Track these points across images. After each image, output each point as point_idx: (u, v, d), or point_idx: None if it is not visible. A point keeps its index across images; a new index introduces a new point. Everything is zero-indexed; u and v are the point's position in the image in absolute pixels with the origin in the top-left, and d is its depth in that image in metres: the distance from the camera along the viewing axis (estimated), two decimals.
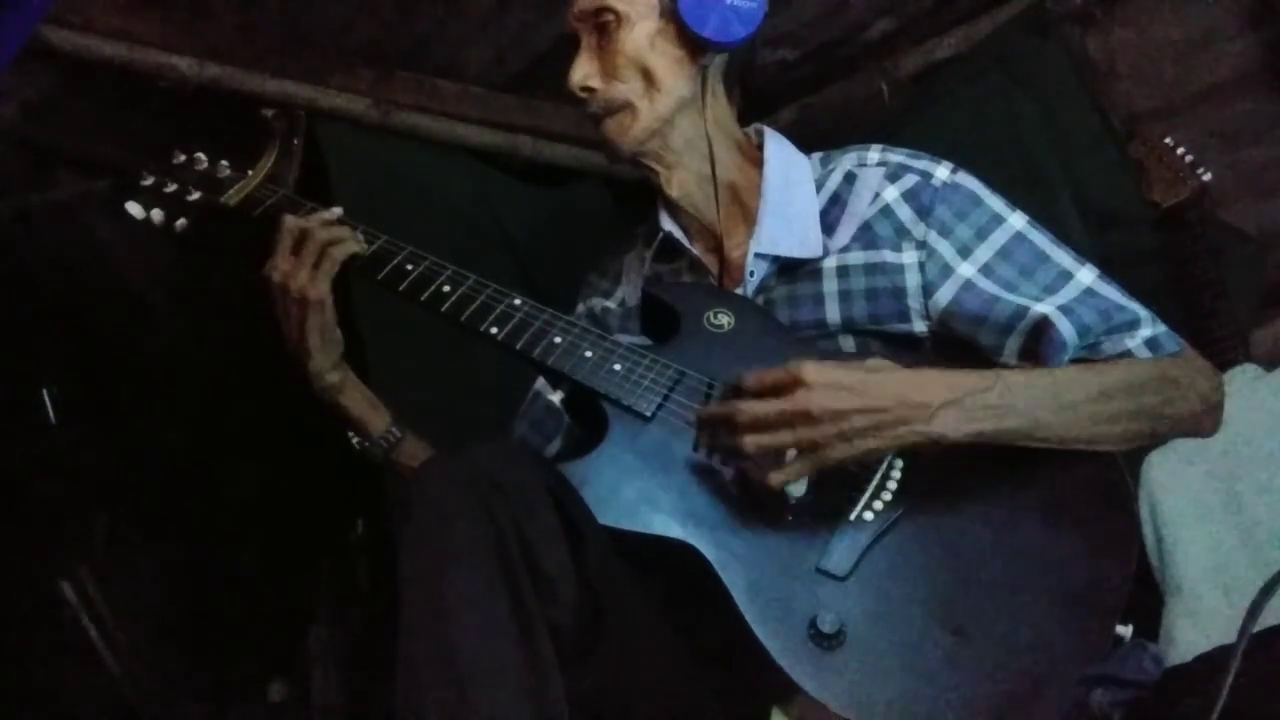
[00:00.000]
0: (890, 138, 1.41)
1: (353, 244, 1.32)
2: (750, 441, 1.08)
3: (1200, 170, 1.94)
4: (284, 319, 1.31)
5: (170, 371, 2.12)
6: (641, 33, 1.29)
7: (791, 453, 1.08)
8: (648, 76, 1.30)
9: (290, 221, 1.31)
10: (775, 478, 1.08)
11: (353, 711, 2.08)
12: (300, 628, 2.15)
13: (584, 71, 1.32)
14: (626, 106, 1.31)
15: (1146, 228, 1.99)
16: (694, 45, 1.30)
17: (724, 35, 1.27)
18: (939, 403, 1.07)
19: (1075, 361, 1.19)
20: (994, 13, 2.17)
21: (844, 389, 1.07)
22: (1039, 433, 1.11)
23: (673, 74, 1.30)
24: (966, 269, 1.25)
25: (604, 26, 1.30)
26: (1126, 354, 1.19)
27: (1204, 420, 1.21)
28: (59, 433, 1.98)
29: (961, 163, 1.31)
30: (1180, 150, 1.96)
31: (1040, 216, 1.29)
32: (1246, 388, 1.72)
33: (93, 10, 1.80)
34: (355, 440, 1.37)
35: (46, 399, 1.98)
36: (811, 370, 1.07)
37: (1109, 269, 1.25)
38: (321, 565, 2.23)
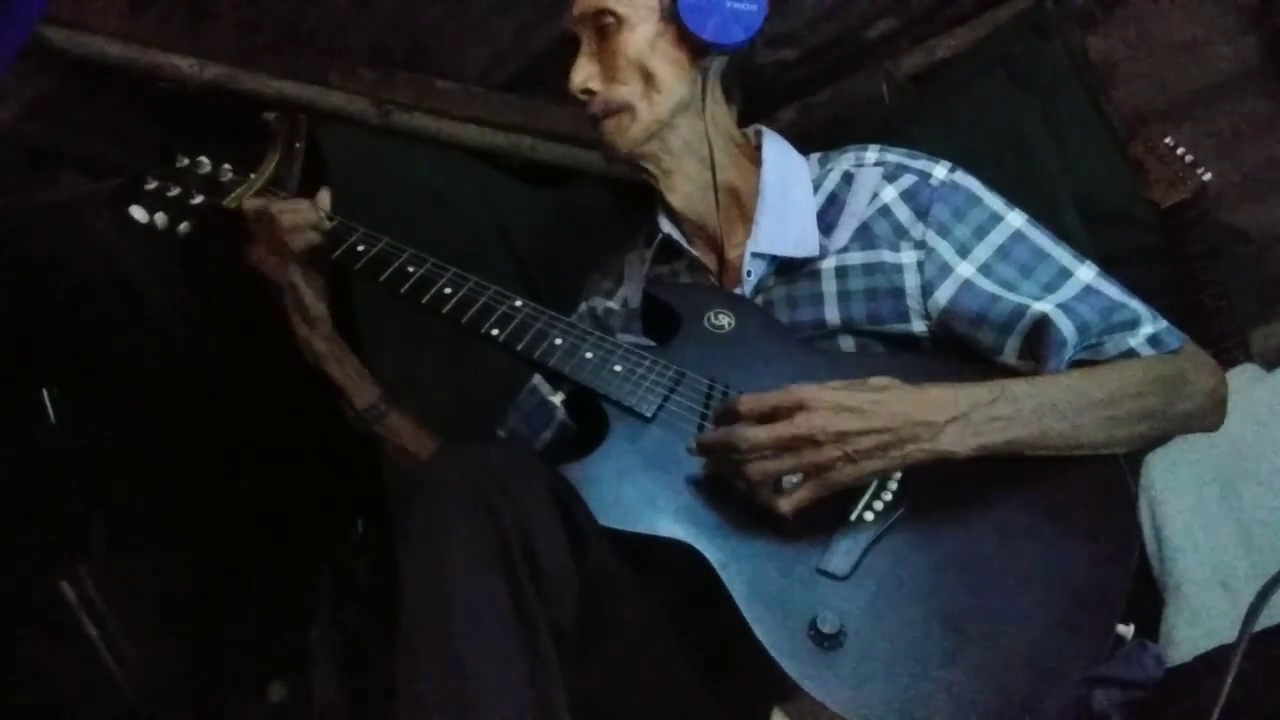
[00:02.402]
0: (890, 138, 1.41)
1: (312, 234, 1.34)
2: (754, 469, 1.07)
3: (1200, 170, 1.94)
4: (271, 298, 1.36)
5: (170, 372, 2.12)
6: (641, 35, 1.29)
7: (796, 476, 1.08)
8: (647, 78, 1.30)
9: (250, 205, 1.36)
10: (783, 505, 1.08)
11: (353, 711, 2.07)
12: (300, 628, 2.14)
13: (584, 74, 1.32)
14: (625, 108, 1.31)
15: (1146, 228, 1.99)
16: (694, 48, 1.30)
17: (724, 38, 1.26)
18: (945, 419, 1.07)
19: (1077, 363, 1.18)
20: (994, 12, 2.17)
21: (846, 410, 1.06)
22: (1046, 441, 1.10)
23: (672, 76, 1.30)
24: (965, 268, 1.24)
25: (604, 29, 1.30)
26: (1129, 353, 1.18)
27: (1208, 416, 1.21)
28: (59, 433, 1.99)
29: (961, 162, 1.31)
30: (1180, 150, 1.96)
31: (1040, 216, 1.28)
32: (1246, 388, 1.71)
33: (93, 10, 1.80)
34: (348, 413, 1.41)
35: (46, 399, 1.98)
36: (812, 393, 1.06)
37: (1109, 269, 1.24)
38: (321, 565, 2.23)
